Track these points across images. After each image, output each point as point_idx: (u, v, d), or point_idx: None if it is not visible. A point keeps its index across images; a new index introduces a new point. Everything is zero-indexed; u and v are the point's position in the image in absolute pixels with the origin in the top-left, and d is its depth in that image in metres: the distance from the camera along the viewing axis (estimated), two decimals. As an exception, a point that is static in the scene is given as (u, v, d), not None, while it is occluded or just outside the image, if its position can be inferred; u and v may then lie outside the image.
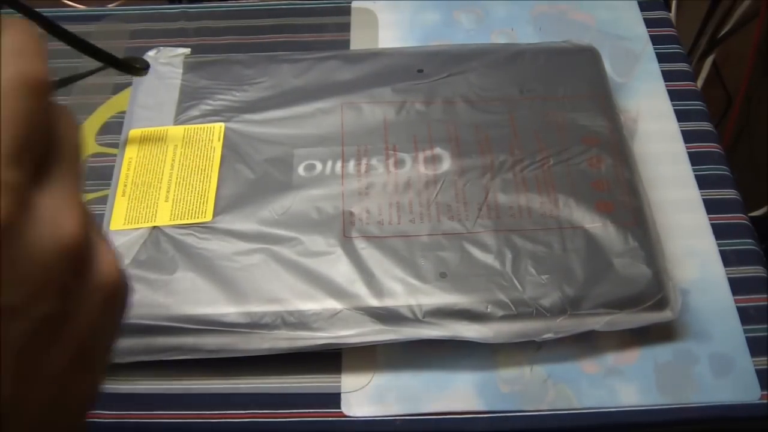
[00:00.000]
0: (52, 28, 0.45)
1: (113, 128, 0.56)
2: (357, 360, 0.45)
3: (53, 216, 0.19)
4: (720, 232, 0.50)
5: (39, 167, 0.19)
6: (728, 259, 0.49)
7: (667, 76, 0.60)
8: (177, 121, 0.53)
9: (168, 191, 0.49)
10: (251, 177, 0.50)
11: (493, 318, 0.43)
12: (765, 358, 0.45)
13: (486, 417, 0.43)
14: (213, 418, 0.44)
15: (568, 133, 0.51)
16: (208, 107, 0.54)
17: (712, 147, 0.56)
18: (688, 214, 0.51)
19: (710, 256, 0.49)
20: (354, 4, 0.66)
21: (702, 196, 0.52)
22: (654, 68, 0.60)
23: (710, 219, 0.51)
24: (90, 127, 0.57)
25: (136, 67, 0.52)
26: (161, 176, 0.50)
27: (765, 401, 0.43)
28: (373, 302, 0.44)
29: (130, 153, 0.52)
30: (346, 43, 0.63)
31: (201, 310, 0.44)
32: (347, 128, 0.52)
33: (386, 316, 0.43)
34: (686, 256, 0.49)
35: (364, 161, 0.50)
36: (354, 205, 0.48)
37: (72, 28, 0.66)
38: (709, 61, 1.02)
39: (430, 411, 0.44)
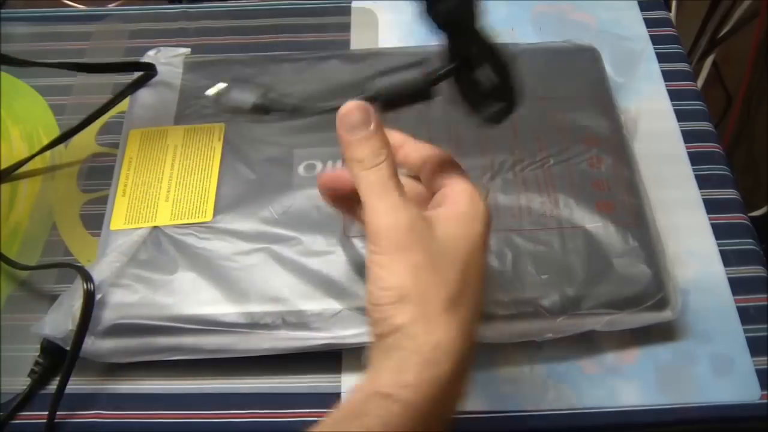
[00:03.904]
0: None
1: (113, 128, 0.56)
2: (357, 360, 0.45)
3: None
4: (720, 232, 0.50)
5: None
6: (728, 259, 0.49)
7: (667, 76, 0.60)
8: (177, 121, 0.53)
9: (168, 191, 0.49)
10: (251, 177, 0.50)
11: (494, 318, 0.43)
12: (765, 358, 0.45)
13: (486, 417, 0.43)
14: (213, 418, 0.44)
15: (568, 133, 0.51)
16: (208, 107, 0.54)
17: (712, 147, 0.56)
18: (688, 214, 0.51)
19: (710, 256, 0.49)
20: (354, 4, 0.66)
21: (702, 196, 0.52)
22: (654, 68, 0.60)
23: (710, 219, 0.51)
24: (90, 127, 0.57)
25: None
26: (161, 176, 0.50)
27: (765, 401, 0.43)
28: (373, 302, 0.44)
29: (131, 153, 0.52)
30: (346, 43, 0.63)
31: (201, 310, 0.44)
32: (347, 128, 0.52)
33: (386, 316, 0.43)
34: (686, 256, 0.49)
35: (364, 161, 0.50)
36: (354, 205, 0.48)
37: (72, 28, 0.66)
38: (709, 61, 1.02)
39: (430, 411, 0.44)
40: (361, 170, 0.33)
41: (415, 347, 0.30)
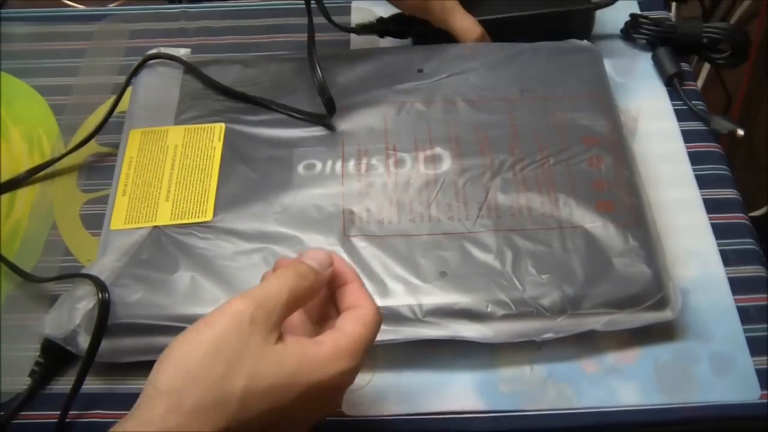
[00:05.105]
0: None
1: (113, 128, 0.56)
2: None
3: None
4: (720, 231, 0.50)
5: None
6: (728, 258, 0.49)
7: (667, 75, 0.59)
8: (177, 121, 0.53)
9: (168, 191, 0.49)
10: (251, 176, 0.50)
11: (494, 317, 0.43)
12: (765, 358, 0.45)
13: (486, 417, 0.43)
14: (213, 417, 0.44)
15: (568, 133, 0.51)
16: (209, 107, 0.54)
17: (712, 147, 0.56)
18: (688, 214, 0.51)
19: (710, 256, 0.49)
20: (354, 4, 0.66)
21: (702, 195, 0.52)
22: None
23: (710, 219, 0.51)
24: (90, 126, 0.57)
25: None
26: (162, 176, 0.50)
27: (765, 401, 0.43)
28: (374, 302, 0.44)
29: (131, 153, 0.52)
30: (346, 43, 0.63)
31: (201, 310, 0.44)
32: (347, 128, 0.52)
33: (386, 316, 0.43)
34: (686, 256, 0.49)
35: (364, 161, 0.50)
36: (354, 204, 0.48)
37: (72, 28, 0.66)
38: (709, 61, 1.02)
39: (430, 411, 0.44)
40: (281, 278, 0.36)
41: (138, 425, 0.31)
